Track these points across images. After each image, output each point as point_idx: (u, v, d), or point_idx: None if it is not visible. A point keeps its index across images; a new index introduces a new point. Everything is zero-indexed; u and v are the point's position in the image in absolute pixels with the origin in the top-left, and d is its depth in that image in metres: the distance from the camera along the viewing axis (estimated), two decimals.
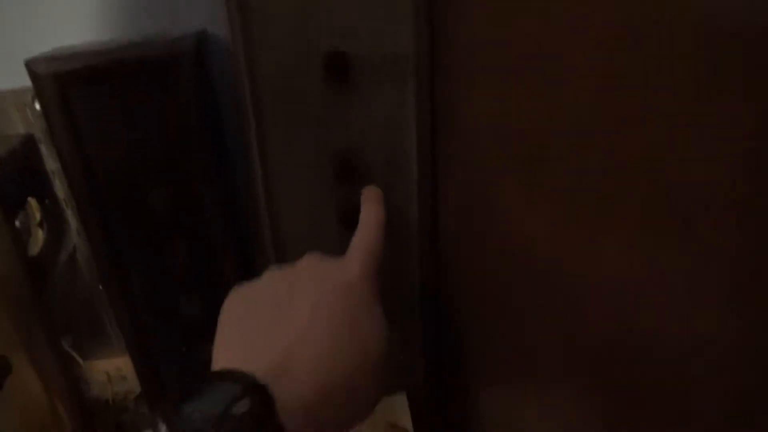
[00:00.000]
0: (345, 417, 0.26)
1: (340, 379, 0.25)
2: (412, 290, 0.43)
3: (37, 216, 0.40)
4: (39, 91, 0.34)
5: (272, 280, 0.28)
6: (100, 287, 0.47)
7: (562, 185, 0.23)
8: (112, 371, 0.48)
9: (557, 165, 0.24)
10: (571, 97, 0.21)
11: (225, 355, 0.26)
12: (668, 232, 0.17)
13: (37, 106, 0.37)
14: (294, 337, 0.24)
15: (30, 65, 0.33)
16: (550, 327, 0.27)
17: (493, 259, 0.34)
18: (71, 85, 0.34)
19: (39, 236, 0.40)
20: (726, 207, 0.15)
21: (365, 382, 0.26)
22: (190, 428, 0.20)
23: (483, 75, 0.30)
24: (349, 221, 0.40)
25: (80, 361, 0.46)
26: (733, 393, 0.15)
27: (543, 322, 0.28)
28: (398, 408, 0.45)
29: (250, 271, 0.42)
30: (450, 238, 0.42)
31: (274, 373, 0.23)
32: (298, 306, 0.26)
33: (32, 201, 0.40)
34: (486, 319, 0.38)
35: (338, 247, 0.38)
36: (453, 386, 0.46)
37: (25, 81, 0.34)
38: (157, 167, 0.37)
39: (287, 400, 0.22)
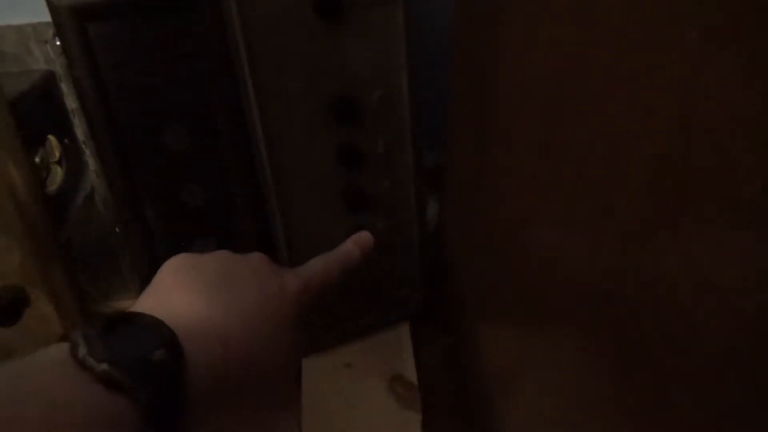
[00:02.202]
0: (245, 414, 0.26)
1: (254, 373, 0.25)
2: (410, 226, 0.43)
3: (57, 153, 0.41)
4: (58, 25, 0.34)
5: (219, 259, 0.29)
6: (117, 230, 0.48)
7: (577, 139, 0.23)
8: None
9: (576, 115, 0.23)
10: (602, 35, 0.20)
11: (150, 301, 0.26)
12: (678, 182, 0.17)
13: (57, 42, 0.37)
14: (221, 316, 0.25)
15: None
16: (552, 264, 0.27)
17: (497, 199, 0.34)
18: (90, 19, 0.34)
19: (58, 174, 0.41)
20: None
21: (273, 386, 0.27)
22: (110, 358, 0.20)
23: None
24: (346, 159, 0.41)
25: (96, 297, 0.47)
26: (737, 330, 0.15)
27: (546, 260, 0.28)
28: (402, 354, 0.46)
29: (262, 216, 0.42)
30: (452, 176, 0.42)
31: (194, 337, 0.23)
32: (235, 291, 0.26)
33: (52, 138, 0.40)
34: (487, 254, 0.39)
35: (336, 184, 0.40)
36: (451, 319, 0.47)
37: (46, 16, 0.34)
38: (176, 108, 0.37)
39: (199, 367, 0.22)
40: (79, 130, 0.45)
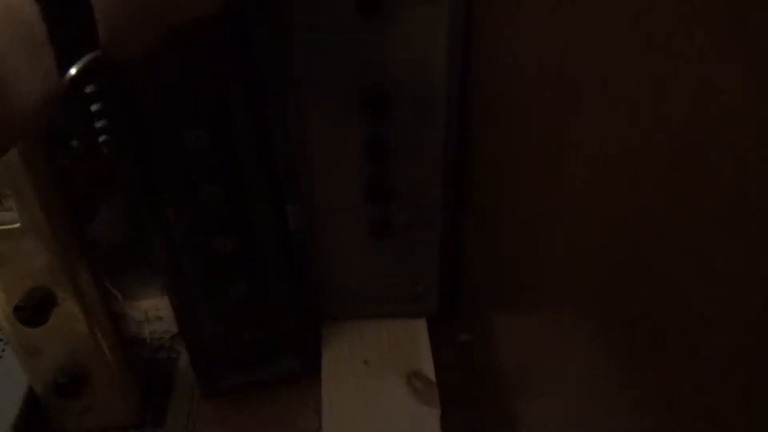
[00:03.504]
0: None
1: None
2: (433, 223, 0.44)
3: (82, 152, 0.41)
4: None
5: None
6: (138, 230, 0.48)
7: (590, 134, 0.23)
8: (150, 310, 0.50)
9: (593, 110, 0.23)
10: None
11: None
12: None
13: None
14: None
15: None
16: (565, 261, 0.27)
17: (514, 195, 0.34)
18: None
19: (83, 174, 0.42)
20: None
21: None
22: None
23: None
24: (375, 153, 0.42)
25: (120, 297, 0.48)
26: (747, 324, 0.15)
27: (559, 256, 0.28)
28: (420, 350, 0.46)
29: (281, 210, 0.42)
30: (469, 172, 0.42)
31: None
32: None
33: (77, 138, 0.41)
34: (503, 251, 0.39)
35: (363, 178, 0.40)
36: (467, 317, 0.47)
37: None
38: (195, 106, 0.38)
39: None
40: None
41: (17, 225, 0.37)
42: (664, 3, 0.18)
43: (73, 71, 0.23)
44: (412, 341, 0.47)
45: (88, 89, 0.25)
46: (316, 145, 0.41)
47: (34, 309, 0.39)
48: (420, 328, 0.48)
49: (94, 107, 0.27)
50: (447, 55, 0.37)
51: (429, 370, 0.45)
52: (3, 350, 0.47)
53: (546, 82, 0.28)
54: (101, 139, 0.28)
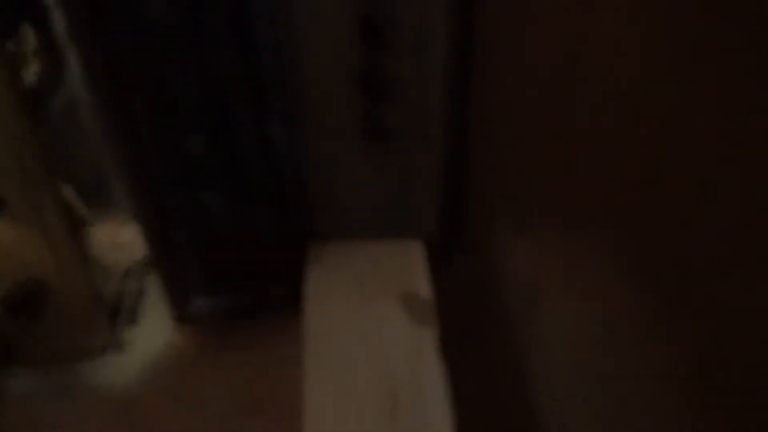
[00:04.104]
0: None
1: None
2: (436, 128, 0.40)
3: (32, 43, 0.36)
4: None
5: None
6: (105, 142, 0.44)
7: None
8: (119, 233, 0.46)
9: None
10: None
11: None
12: None
13: None
14: None
15: None
16: (579, 176, 0.26)
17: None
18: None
19: (34, 66, 0.37)
20: None
21: None
22: None
23: None
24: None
25: (85, 213, 0.43)
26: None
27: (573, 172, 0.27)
28: (415, 271, 0.42)
29: (261, 107, 0.38)
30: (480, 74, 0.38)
31: None
32: None
33: (27, 27, 0.36)
34: (517, 169, 0.36)
35: (356, 67, 0.37)
36: (470, 239, 0.44)
37: None
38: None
39: None
40: (59, 26, 0.41)
41: None
42: None
43: None
44: (408, 263, 0.43)
45: None
46: (303, 28, 0.36)
47: None
48: (416, 250, 0.44)
49: None
50: None
51: (426, 292, 0.41)
52: None
53: None
54: None
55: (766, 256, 0.15)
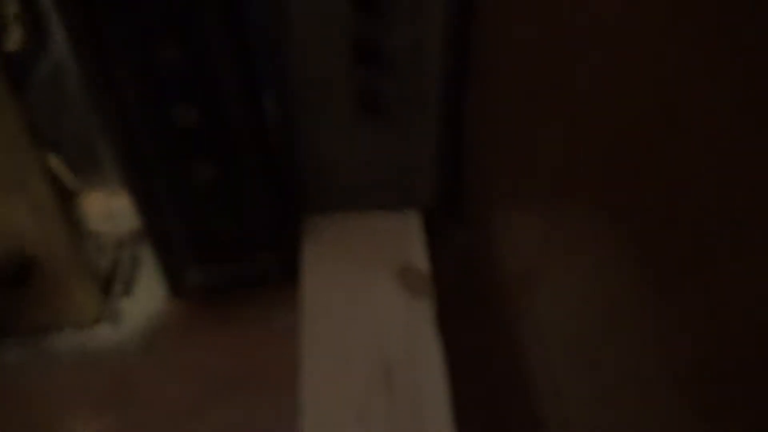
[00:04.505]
0: None
1: None
2: (429, 96, 0.38)
3: (14, 7, 0.35)
4: None
5: None
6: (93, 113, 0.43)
7: None
8: (111, 202, 0.45)
9: None
10: None
11: None
12: None
13: None
14: None
15: None
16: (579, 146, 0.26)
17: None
18: None
19: (16, 31, 0.35)
20: None
21: None
22: None
23: None
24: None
25: (76, 183, 0.42)
26: None
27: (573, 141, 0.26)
28: (412, 243, 0.41)
29: (252, 76, 0.37)
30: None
31: None
32: None
33: None
34: (516, 137, 0.35)
35: (350, 36, 0.35)
36: (467, 211, 0.43)
37: None
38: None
39: None
40: None
41: None
42: None
43: None
44: (404, 235, 0.42)
45: None
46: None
47: None
48: (412, 220, 0.43)
49: None
50: None
51: (422, 264, 0.40)
52: None
53: None
54: None
55: None
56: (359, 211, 0.43)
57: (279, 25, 0.36)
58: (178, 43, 0.34)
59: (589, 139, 0.25)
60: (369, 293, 0.39)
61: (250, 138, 0.38)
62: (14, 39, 0.36)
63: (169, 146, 0.38)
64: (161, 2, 0.33)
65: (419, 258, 0.40)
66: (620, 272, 0.24)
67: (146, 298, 0.44)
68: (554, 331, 0.32)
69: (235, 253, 0.43)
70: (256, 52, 0.36)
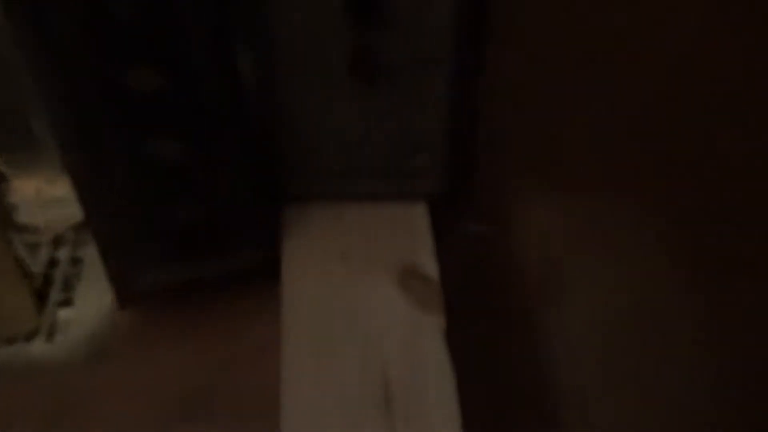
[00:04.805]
0: None
1: None
2: (439, 63, 0.33)
3: None
4: None
5: None
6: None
7: None
8: (44, 189, 0.38)
9: None
10: None
11: None
12: None
13: None
14: None
15: None
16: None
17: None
18: None
19: None
20: None
21: None
22: None
23: None
24: (360, 10, 0.31)
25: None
26: None
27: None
28: (417, 242, 0.35)
29: (223, 32, 0.31)
30: None
31: None
32: None
33: None
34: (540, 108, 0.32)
35: (345, 44, 0.32)
36: (483, 202, 0.38)
37: None
38: None
39: None
40: None
41: None
42: None
43: None
44: (408, 230, 0.36)
45: None
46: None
47: None
48: (418, 213, 0.36)
49: None
50: None
51: (430, 266, 0.34)
52: None
53: None
54: None
55: None
56: (352, 200, 0.37)
57: None
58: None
59: (640, 122, 0.25)
60: (364, 302, 0.33)
61: (223, 109, 0.32)
62: None
63: (122, 117, 0.32)
64: None
65: (426, 260, 0.34)
66: (663, 276, 0.23)
67: (91, 305, 0.38)
68: (586, 344, 0.31)
69: (202, 248, 0.36)
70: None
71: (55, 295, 0.38)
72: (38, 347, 0.37)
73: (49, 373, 0.36)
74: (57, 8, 0.28)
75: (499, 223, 0.37)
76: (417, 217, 0.36)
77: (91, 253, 0.39)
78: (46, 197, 0.39)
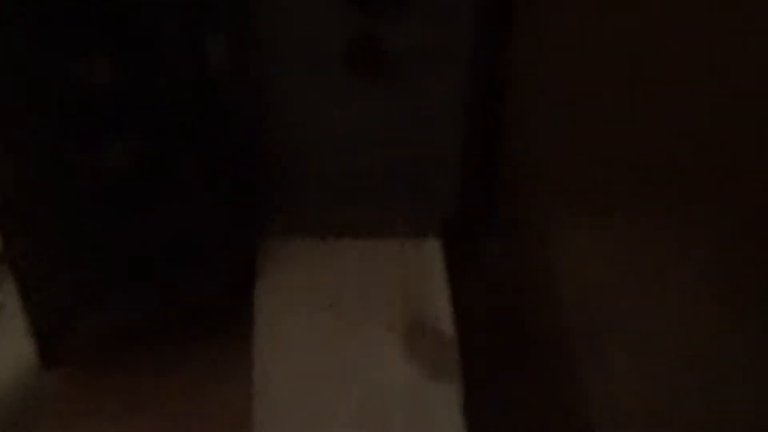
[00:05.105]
0: None
1: None
2: (454, 61, 0.29)
3: None
4: None
5: None
6: None
7: None
8: None
9: None
10: None
11: None
12: None
13: None
14: None
15: None
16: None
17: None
18: None
19: None
20: None
21: None
22: None
23: None
24: None
25: None
26: None
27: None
28: (429, 291, 0.30)
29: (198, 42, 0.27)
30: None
31: None
32: None
33: None
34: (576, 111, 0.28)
35: (344, 31, 0.28)
36: (506, 222, 0.34)
37: None
38: None
39: None
40: None
41: None
42: None
43: None
44: (416, 271, 0.30)
45: None
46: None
47: None
48: (429, 249, 0.31)
49: None
50: None
51: (444, 318, 0.28)
52: None
53: None
54: None
55: None
56: (346, 231, 0.31)
57: None
58: None
59: (684, 142, 0.23)
60: (358, 366, 0.27)
61: (187, 106, 0.28)
62: None
63: (59, 121, 0.27)
64: None
65: (440, 311, 0.28)
66: (711, 315, 0.22)
67: (10, 361, 0.32)
68: (634, 394, 0.28)
69: (156, 281, 0.31)
70: None
71: None
72: None
73: None
74: None
75: (526, 256, 0.31)
76: (428, 255, 0.30)
77: (11, 294, 0.32)
78: None
